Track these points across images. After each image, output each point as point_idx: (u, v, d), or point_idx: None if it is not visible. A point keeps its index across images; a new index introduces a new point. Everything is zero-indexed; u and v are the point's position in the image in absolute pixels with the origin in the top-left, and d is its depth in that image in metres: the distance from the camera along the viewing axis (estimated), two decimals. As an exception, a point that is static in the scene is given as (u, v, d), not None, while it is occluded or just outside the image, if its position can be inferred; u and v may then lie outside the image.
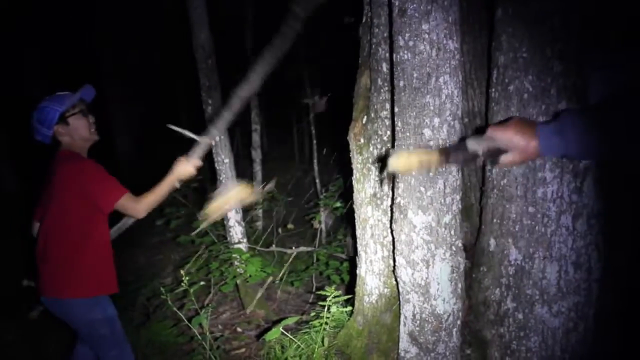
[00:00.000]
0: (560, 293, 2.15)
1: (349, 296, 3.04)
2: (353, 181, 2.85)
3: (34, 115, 2.61)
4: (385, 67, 2.54)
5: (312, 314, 3.16)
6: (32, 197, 2.89)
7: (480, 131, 1.64)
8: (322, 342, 2.88)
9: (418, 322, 2.27)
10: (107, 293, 2.71)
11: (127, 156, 10.16)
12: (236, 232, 4.33)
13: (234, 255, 4.10)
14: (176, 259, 5.72)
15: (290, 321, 2.95)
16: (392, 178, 2.38)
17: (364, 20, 2.74)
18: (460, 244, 2.21)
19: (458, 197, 2.15)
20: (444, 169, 2.06)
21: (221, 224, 4.64)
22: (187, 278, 3.10)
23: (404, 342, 2.38)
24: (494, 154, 1.51)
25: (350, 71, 2.94)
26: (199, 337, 3.28)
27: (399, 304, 2.41)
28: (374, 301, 2.79)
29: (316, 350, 2.85)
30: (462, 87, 2.09)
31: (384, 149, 2.63)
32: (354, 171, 2.83)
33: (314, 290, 4.55)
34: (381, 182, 2.61)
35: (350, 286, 3.63)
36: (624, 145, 1.32)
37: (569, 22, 2.02)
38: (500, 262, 2.28)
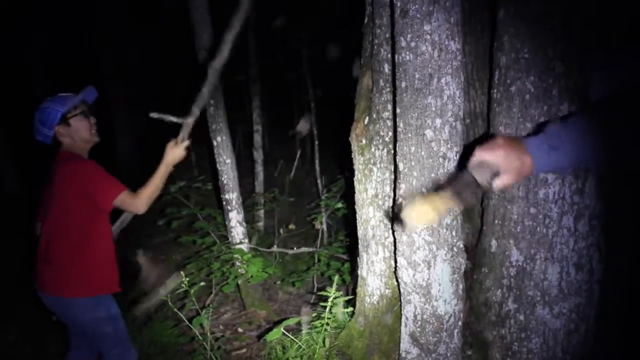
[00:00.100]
0: (561, 294, 2.15)
1: (350, 297, 3.04)
2: (354, 182, 2.85)
3: (36, 115, 2.62)
4: (387, 68, 2.54)
5: (314, 314, 3.16)
6: (34, 198, 2.89)
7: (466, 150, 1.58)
8: (323, 342, 2.88)
9: (419, 323, 2.27)
10: (110, 292, 2.71)
11: (128, 157, 10.17)
12: (237, 232, 4.33)
13: (235, 256, 4.11)
14: (178, 259, 5.72)
15: (292, 322, 2.95)
16: (394, 179, 2.38)
17: (365, 21, 2.74)
18: (461, 245, 2.21)
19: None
20: (445, 171, 2.06)
21: (222, 225, 4.65)
22: (187, 279, 3.10)
23: (405, 343, 2.38)
24: (491, 180, 1.39)
25: (352, 72, 2.94)
26: (200, 337, 3.28)
27: (400, 305, 2.41)
28: (375, 302, 2.79)
29: (317, 350, 2.84)
30: (463, 88, 2.09)
31: (385, 149, 2.63)
32: (356, 172, 2.83)
33: (315, 290, 4.55)
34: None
35: (351, 287, 3.63)
36: (614, 151, 1.32)
37: (570, 22, 2.02)
38: (502, 263, 2.28)
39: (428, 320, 2.23)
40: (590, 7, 2.02)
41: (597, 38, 2.05)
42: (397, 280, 2.40)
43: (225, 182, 4.23)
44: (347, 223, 5.27)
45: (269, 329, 3.11)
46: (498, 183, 1.37)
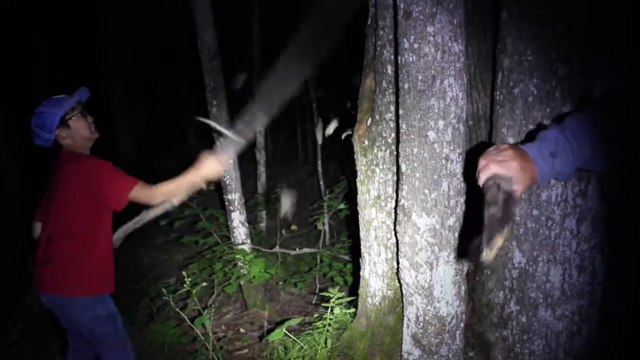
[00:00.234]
0: (564, 296, 2.15)
1: (352, 298, 3.04)
2: (357, 183, 2.85)
3: (33, 120, 2.60)
4: (390, 69, 2.54)
5: (316, 315, 3.16)
6: (34, 198, 2.90)
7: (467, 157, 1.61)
8: (325, 343, 2.88)
9: (421, 324, 2.27)
10: (109, 291, 2.72)
11: (128, 154, 10.20)
12: (240, 233, 4.33)
13: (237, 256, 4.11)
14: (180, 259, 5.73)
15: (294, 322, 2.95)
16: (397, 180, 2.38)
17: (368, 22, 2.75)
18: (464, 247, 2.21)
19: (462, 200, 2.16)
20: (448, 172, 2.06)
21: (225, 225, 4.65)
22: (189, 279, 3.10)
23: (407, 344, 2.38)
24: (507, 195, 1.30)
25: (355, 73, 2.95)
26: (202, 337, 3.29)
27: (403, 306, 2.41)
28: (377, 303, 2.79)
29: (319, 351, 2.85)
30: (466, 90, 2.10)
31: (388, 151, 2.64)
32: (358, 173, 2.83)
33: (317, 291, 4.55)
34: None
35: (353, 288, 3.63)
36: (612, 150, 1.32)
37: (573, 25, 2.03)
38: (504, 265, 2.28)
39: (430, 321, 2.24)
40: (593, 9, 2.02)
41: (600, 40, 2.05)
42: (399, 282, 2.40)
43: (227, 182, 4.23)
44: (350, 224, 5.27)
45: (271, 330, 3.11)
46: (516, 195, 1.30)
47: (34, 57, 10.19)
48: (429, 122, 2.03)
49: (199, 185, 2.48)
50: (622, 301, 2.19)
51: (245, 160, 8.22)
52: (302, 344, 2.93)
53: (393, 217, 2.58)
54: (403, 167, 2.18)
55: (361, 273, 2.93)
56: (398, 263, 2.35)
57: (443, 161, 2.06)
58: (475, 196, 1.52)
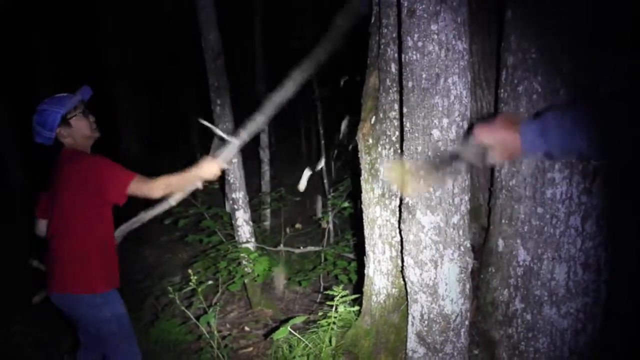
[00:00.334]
0: (569, 294, 2.15)
1: (357, 296, 3.04)
2: (361, 181, 2.85)
3: (35, 118, 2.60)
4: (394, 67, 2.54)
5: (320, 313, 3.16)
6: (37, 192, 2.90)
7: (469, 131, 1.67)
8: (330, 341, 2.89)
9: (426, 322, 2.27)
10: (114, 287, 2.73)
11: (131, 153, 10.22)
12: (244, 231, 4.34)
13: (242, 255, 4.12)
14: (184, 258, 5.74)
15: (298, 320, 2.95)
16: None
17: (372, 20, 2.74)
18: (468, 245, 2.21)
19: (467, 198, 2.15)
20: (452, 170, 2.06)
21: (229, 224, 4.66)
22: (195, 277, 3.11)
23: (412, 342, 2.39)
24: (482, 155, 1.53)
25: (360, 71, 2.94)
26: (207, 335, 3.29)
27: (407, 304, 2.41)
28: (381, 301, 2.79)
29: (324, 349, 2.85)
30: (470, 88, 2.09)
31: (392, 149, 2.64)
32: (362, 171, 2.83)
33: (321, 289, 4.55)
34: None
35: (358, 286, 3.63)
36: (605, 143, 1.33)
37: (577, 23, 2.02)
38: (509, 262, 2.28)
39: (435, 319, 2.24)
40: (597, 8, 2.01)
41: (604, 39, 2.04)
42: (403, 280, 2.40)
43: (232, 181, 4.24)
44: (354, 222, 5.27)
45: (276, 328, 3.12)
46: (491, 160, 1.50)
47: (35, 57, 10.22)
48: (433, 120, 2.03)
49: (196, 184, 2.58)
50: (627, 299, 2.18)
51: (249, 159, 8.23)
52: (306, 342, 2.93)
53: (397, 215, 2.58)
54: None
55: (365, 271, 2.93)
56: (402, 261, 2.35)
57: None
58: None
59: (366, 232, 2.87)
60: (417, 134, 2.09)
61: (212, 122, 4.15)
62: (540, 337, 2.22)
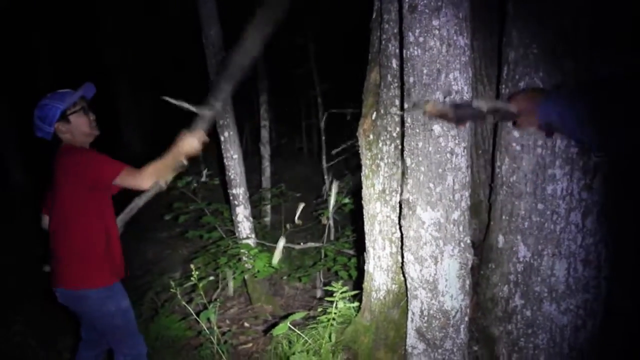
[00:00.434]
0: (568, 290, 2.14)
1: (357, 292, 3.04)
2: (362, 177, 2.85)
3: (35, 112, 2.62)
4: (395, 63, 2.53)
5: (320, 309, 3.16)
6: (39, 189, 2.91)
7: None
8: (330, 337, 2.89)
9: (426, 318, 2.27)
10: (120, 277, 2.73)
11: (133, 149, 10.21)
12: (244, 227, 4.34)
13: (242, 251, 4.12)
14: (184, 254, 5.74)
15: (298, 316, 2.96)
16: (402, 174, 2.38)
17: (374, 16, 2.74)
18: (468, 241, 2.21)
19: (467, 194, 2.15)
20: (453, 166, 2.06)
21: (230, 220, 4.66)
22: (197, 272, 3.11)
23: (412, 338, 2.39)
24: (504, 117, 1.82)
25: (360, 66, 2.94)
26: (206, 331, 3.30)
27: (407, 300, 2.41)
28: (381, 297, 2.79)
29: (323, 345, 2.85)
30: (472, 84, 2.09)
31: (393, 145, 2.63)
32: (363, 167, 2.83)
33: (321, 286, 4.56)
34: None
35: (358, 282, 3.64)
36: (618, 128, 1.33)
37: (579, 20, 2.01)
38: (509, 259, 2.28)
39: (434, 315, 2.24)
40: (599, 5, 2.01)
41: (605, 36, 2.03)
42: (403, 276, 2.40)
43: (232, 177, 4.24)
44: (354, 218, 5.27)
45: (275, 324, 3.12)
46: (517, 122, 1.72)
47: (35, 57, 10.23)
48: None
49: (181, 161, 2.57)
50: (627, 296, 2.18)
51: (250, 154, 8.23)
52: (306, 338, 2.93)
53: (398, 211, 2.57)
54: (408, 161, 2.17)
55: (365, 267, 2.93)
56: (403, 257, 2.35)
57: (448, 155, 2.05)
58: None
59: (366, 228, 2.87)
60: (418, 130, 2.09)
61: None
62: (539, 334, 2.22)
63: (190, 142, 2.53)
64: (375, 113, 2.71)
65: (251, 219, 4.43)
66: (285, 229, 5.17)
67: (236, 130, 4.24)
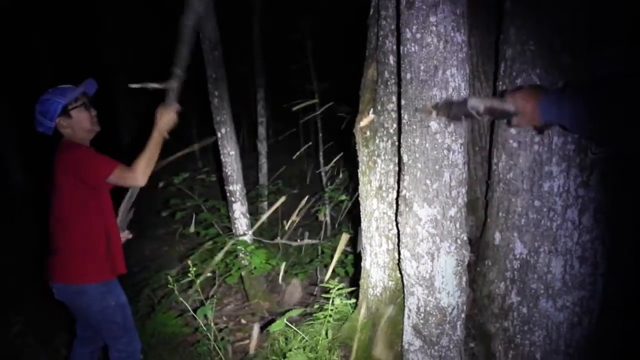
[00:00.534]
0: (565, 287, 2.15)
1: (353, 289, 3.04)
2: (359, 174, 2.85)
3: (37, 107, 2.62)
4: (392, 59, 2.53)
5: (317, 306, 3.16)
6: (39, 189, 2.90)
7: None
8: (326, 334, 2.89)
9: (422, 315, 2.27)
10: (118, 273, 2.73)
11: (131, 147, 10.21)
12: (241, 224, 4.34)
13: (238, 247, 4.11)
14: (181, 250, 5.74)
15: (295, 313, 2.96)
16: (398, 171, 2.37)
17: (371, 12, 2.73)
18: (465, 238, 2.21)
19: (464, 191, 2.15)
20: (450, 163, 2.05)
21: (226, 216, 4.66)
22: (194, 269, 3.11)
23: (408, 335, 2.39)
24: (501, 115, 1.77)
25: (357, 63, 2.93)
26: (203, 328, 3.29)
27: (404, 297, 2.41)
28: (378, 294, 2.79)
29: (320, 342, 2.85)
30: (469, 80, 2.08)
31: (390, 141, 2.63)
32: (360, 164, 2.82)
33: (318, 282, 4.56)
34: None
35: (354, 279, 3.64)
36: (618, 127, 1.33)
37: (576, 16, 2.01)
38: (505, 255, 2.28)
39: (431, 312, 2.24)
40: (597, 1, 2.00)
41: (603, 32, 2.03)
42: (400, 272, 2.40)
43: (229, 173, 4.23)
44: (351, 215, 5.28)
45: (272, 321, 3.12)
46: (514, 122, 1.69)
47: (35, 57, 10.20)
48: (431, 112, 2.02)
49: (165, 138, 2.62)
50: (624, 293, 2.18)
51: (247, 151, 8.22)
52: (303, 334, 2.93)
53: (394, 207, 2.57)
54: (405, 158, 2.17)
55: (362, 264, 2.93)
56: (399, 254, 2.35)
57: (445, 152, 2.05)
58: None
59: (363, 224, 2.87)
60: (414, 126, 2.08)
61: (210, 115, 4.15)
62: (536, 330, 2.22)
63: (167, 117, 2.60)
64: (372, 109, 2.71)
65: (248, 215, 4.42)
66: (283, 226, 5.18)
67: (233, 127, 4.23)
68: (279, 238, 5.00)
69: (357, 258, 3.30)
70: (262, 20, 6.34)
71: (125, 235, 2.93)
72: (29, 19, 9.64)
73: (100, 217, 2.64)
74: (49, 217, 2.70)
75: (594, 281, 2.14)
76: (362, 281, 2.93)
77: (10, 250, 5.84)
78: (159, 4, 9.36)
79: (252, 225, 4.48)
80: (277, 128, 10.16)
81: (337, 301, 2.91)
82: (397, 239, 2.43)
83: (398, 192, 2.33)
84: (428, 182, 2.09)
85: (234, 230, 4.37)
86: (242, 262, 4.09)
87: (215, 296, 4.16)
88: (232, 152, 4.19)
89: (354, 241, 4.42)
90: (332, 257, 4.40)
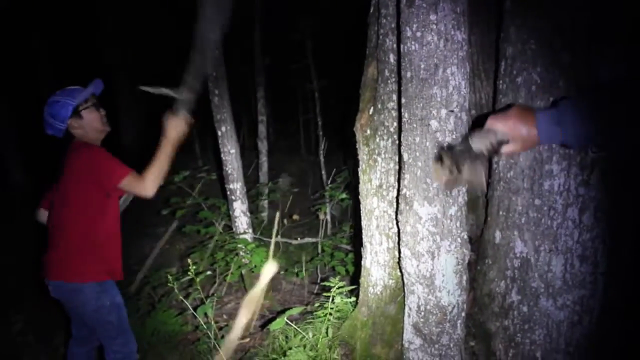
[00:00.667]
0: (565, 286, 2.14)
1: (354, 287, 3.04)
2: (359, 172, 2.84)
3: (46, 109, 2.62)
4: (392, 57, 2.53)
5: (317, 304, 3.17)
6: (40, 189, 2.91)
7: (480, 121, 1.64)
8: (327, 332, 2.89)
9: (422, 313, 2.27)
10: (114, 279, 2.73)
11: (132, 149, 10.21)
12: (242, 222, 4.34)
13: (239, 246, 4.12)
14: (182, 248, 5.74)
15: (295, 311, 2.96)
16: (399, 169, 2.37)
17: (371, 10, 2.73)
18: (465, 236, 2.21)
19: (464, 189, 2.15)
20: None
21: (226, 214, 4.66)
22: (194, 267, 3.11)
23: (408, 334, 2.39)
24: (497, 147, 1.51)
25: (357, 62, 2.93)
26: (204, 326, 3.30)
27: (404, 296, 2.41)
28: (378, 292, 2.79)
29: (320, 340, 2.85)
30: (469, 79, 2.08)
31: (390, 140, 2.63)
32: (360, 162, 2.82)
33: (318, 281, 4.56)
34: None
35: (355, 277, 3.64)
36: (621, 132, 1.32)
37: (577, 14, 2.01)
38: (506, 254, 2.28)
39: (431, 311, 2.24)
40: (598, 1, 2.00)
41: (604, 31, 2.03)
42: (400, 271, 2.40)
43: (229, 172, 4.24)
44: (351, 213, 5.28)
45: (272, 319, 3.12)
46: (505, 150, 1.47)
47: (35, 57, 10.19)
48: (431, 110, 2.02)
49: (175, 149, 2.57)
50: (624, 292, 2.18)
51: (247, 149, 8.22)
52: (303, 333, 2.94)
53: (395, 206, 2.57)
54: (405, 156, 2.17)
55: (363, 262, 2.93)
56: (399, 252, 2.35)
57: (445, 150, 2.05)
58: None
59: (363, 223, 2.87)
60: (415, 125, 2.08)
61: (210, 113, 4.15)
62: (536, 329, 2.22)
63: (178, 128, 2.54)
64: (372, 108, 2.71)
65: (248, 214, 4.43)
66: (283, 224, 5.18)
67: (233, 125, 4.23)
68: (279, 236, 5.01)
69: (358, 256, 3.30)
70: (262, 19, 6.34)
71: None
72: (29, 19, 9.64)
73: (103, 221, 2.64)
74: (50, 214, 2.70)
75: (595, 280, 2.14)
76: (362, 280, 2.93)
77: (10, 250, 5.84)
78: (159, 3, 9.37)
79: (252, 223, 4.48)
80: (277, 127, 10.17)
81: (338, 299, 2.91)
82: (397, 238, 2.42)
83: (398, 190, 2.33)
84: (428, 180, 2.09)
85: (234, 229, 4.38)
86: (243, 260, 4.09)
87: (215, 294, 4.16)
88: (233, 151, 4.20)
89: (354, 240, 4.43)
90: (332, 255, 4.41)
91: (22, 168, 9.41)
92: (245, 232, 4.31)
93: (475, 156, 1.52)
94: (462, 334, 2.31)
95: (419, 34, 1.97)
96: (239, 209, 4.32)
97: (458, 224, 2.15)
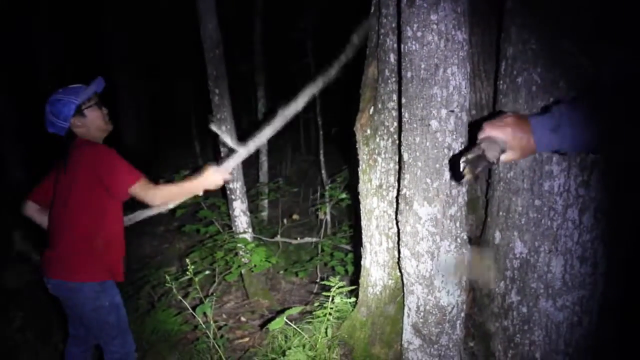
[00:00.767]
0: (565, 287, 2.14)
1: (353, 287, 3.04)
2: (359, 172, 2.84)
3: (48, 108, 2.60)
4: (393, 57, 2.52)
5: (316, 304, 3.16)
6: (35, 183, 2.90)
7: (474, 126, 1.62)
8: (326, 332, 2.89)
9: (422, 313, 2.27)
10: (115, 279, 2.72)
11: (131, 143, 10.22)
12: (241, 221, 4.34)
13: (239, 245, 4.11)
14: (181, 248, 5.74)
15: (294, 311, 2.96)
16: (399, 169, 2.37)
17: (372, 10, 2.72)
18: (465, 236, 2.21)
19: (464, 189, 2.15)
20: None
21: (226, 214, 4.66)
22: (192, 267, 3.11)
23: (408, 334, 2.39)
24: (499, 155, 1.46)
25: (358, 61, 2.93)
26: (203, 325, 3.29)
27: (403, 296, 2.41)
28: (378, 292, 2.79)
29: (319, 340, 2.85)
30: (470, 79, 2.08)
31: (390, 140, 2.62)
32: (360, 162, 2.82)
33: (318, 280, 4.56)
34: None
35: (354, 277, 3.64)
36: (619, 137, 1.32)
37: (578, 15, 2.00)
38: (506, 255, 2.28)
39: (431, 311, 2.23)
40: (599, 1, 2.00)
41: (604, 31, 2.03)
42: (400, 271, 2.40)
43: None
44: (351, 213, 5.28)
45: (272, 319, 3.12)
46: (504, 158, 1.43)
47: (35, 56, 10.20)
48: (432, 110, 2.02)
49: (197, 193, 2.65)
50: (624, 293, 2.18)
51: (247, 149, 8.17)
52: (302, 332, 2.93)
53: (395, 206, 2.57)
54: (405, 156, 2.17)
55: (362, 262, 2.93)
56: (399, 252, 2.35)
57: (445, 150, 2.05)
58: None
59: (363, 223, 2.87)
60: (415, 125, 2.08)
61: (210, 112, 4.15)
62: (535, 330, 2.22)
63: (214, 179, 2.60)
64: (372, 108, 2.71)
65: (248, 213, 4.42)
66: (283, 224, 5.18)
67: (233, 124, 4.23)
68: (279, 236, 5.01)
69: (357, 256, 3.30)
70: (263, 19, 6.34)
71: None
72: (28, 19, 9.64)
73: (106, 222, 2.63)
74: (50, 212, 2.69)
75: (594, 281, 2.14)
76: (362, 280, 2.93)
77: (9, 248, 5.84)
78: (159, 3, 9.37)
79: (252, 223, 4.48)
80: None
81: (337, 299, 2.91)
82: (397, 238, 2.42)
83: (398, 190, 2.33)
84: (428, 180, 2.09)
85: (234, 228, 4.37)
86: (242, 259, 4.09)
87: (214, 294, 4.16)
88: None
89: (354, 239, 4.43)
90: (332, 255, 4.41)
91: (22, 166, 9.40)
92: (245, 232, 4.30)
93: (486, 164, 1.49)
94: (461, 334, 2.31)
95: (419, 33, 1.97)
96: (239, 208, 4.32)
97: (458, 224, 2.15)
